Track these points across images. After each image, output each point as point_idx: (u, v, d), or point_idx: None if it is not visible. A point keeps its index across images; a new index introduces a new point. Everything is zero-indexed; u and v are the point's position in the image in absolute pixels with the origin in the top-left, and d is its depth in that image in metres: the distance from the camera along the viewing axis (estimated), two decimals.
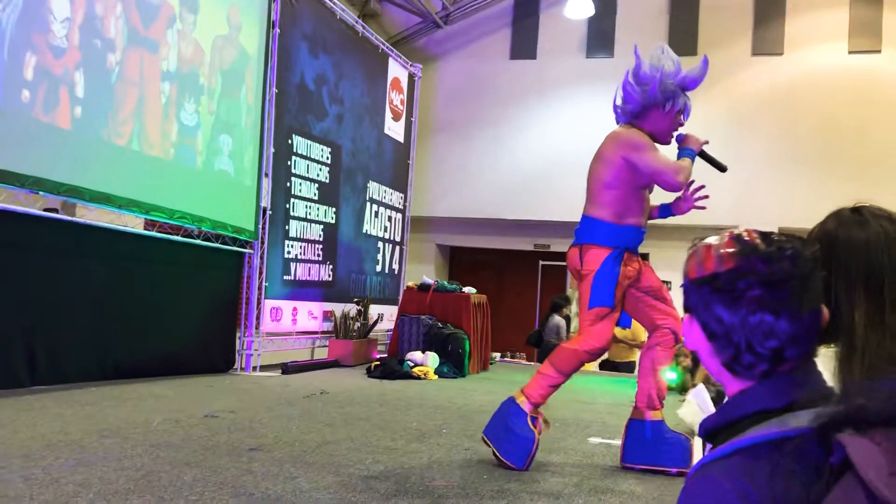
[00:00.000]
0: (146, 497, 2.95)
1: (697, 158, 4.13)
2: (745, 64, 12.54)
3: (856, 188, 11.11)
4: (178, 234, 7.01)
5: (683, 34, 12.71)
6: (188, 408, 5.13)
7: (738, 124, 12.20)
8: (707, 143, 4.17)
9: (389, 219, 11.07)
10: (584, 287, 4.09)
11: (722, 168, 4.15)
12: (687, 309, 1.11)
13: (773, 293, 1.00)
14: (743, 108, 12.36)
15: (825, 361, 1.19)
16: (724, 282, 1.03)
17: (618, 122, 4.26)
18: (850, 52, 12.14)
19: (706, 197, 4.16)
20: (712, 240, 1.09)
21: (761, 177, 11.99)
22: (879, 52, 12.03)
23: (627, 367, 9.60)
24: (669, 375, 5.19)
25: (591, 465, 4.16)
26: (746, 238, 1.06)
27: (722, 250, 1.06)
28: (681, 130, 4.21)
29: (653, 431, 4.04)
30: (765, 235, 1.06)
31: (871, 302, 1.18)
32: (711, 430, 1.05)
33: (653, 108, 4.07)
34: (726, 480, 0.89)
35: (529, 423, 3.95)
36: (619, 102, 4.18)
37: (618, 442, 4.33)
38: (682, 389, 6.78)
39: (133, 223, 6.84)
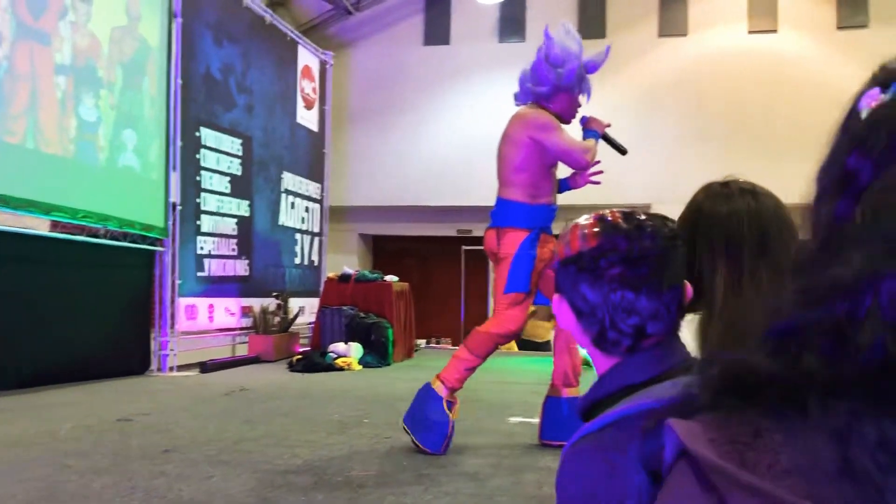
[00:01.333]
0: None
1: (600, 140, 4.22)
2: (652, 45, 12.83)
3: (761, 165, 11.56)
4: (82, 235, 6.74)
5: (592, 18, 12.92)
6: (100, 413, 4.95)
7: (647, 105, 12.49)
8: (609, 125, 4.25)
9: (307, 209, 10.92)
10: (502, 270, 4.13)
11: (622, 150, 4.25)
12: (557, 289, 1.12)
13: (633, 270, 1.03)
14: (652, 89, 12.66)
15: (690, 327, 1.23)
16: (587, 260, 1.05)
17: (521, 102, 4.28)
18: (749, 32, 12.57)
19: (600, 172, 4.24)
20: (580, 220, 1.11)
21: (671, 156, 12.32)
22: (776, 31, 12.49)
23: (546, 347, 9.80)
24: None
25: (510, 444, 4.21)
26: (609, 218, 1.08)
27: (586, 230, 1.08)
28: (583, 112, 4.28)
29: (570, 408, 4.12)
30: (627, 215, 1.08)
31: (731, 269, 1.23)
32: (585, 408, 1.07)
33: (565, 90, 4.12)
34: (598, 453, 0.91)
35: (445, 407, 3.97)
36: (530, 84, 4.19)
37: (537, 420, 4.39)
38: None
39: (37, 225, 6.54)
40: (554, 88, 4.11)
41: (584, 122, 4.24)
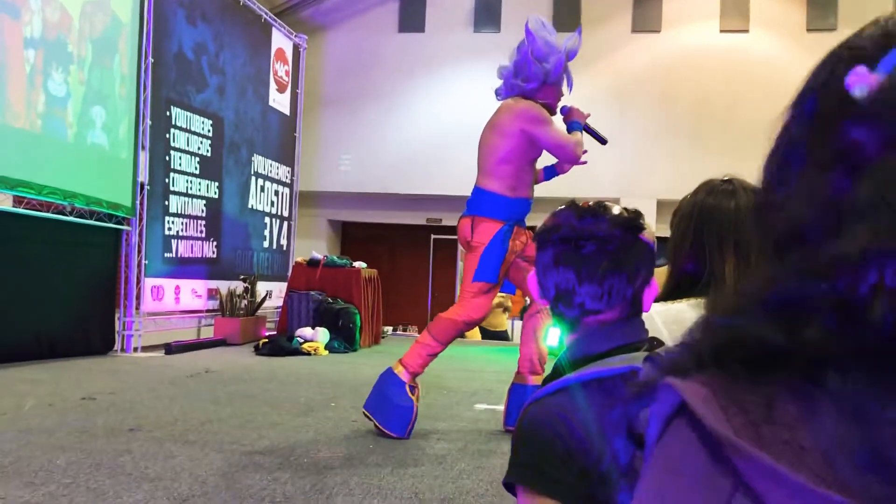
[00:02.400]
0: (14, 482, 2.83)
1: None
2: (626, 41, 12.93)
3: (728, 161, 11.68)
4: (48, 212, 6.65)
5: (567, 11, 12.98)
6: (63, 391, 4.91)
7: (619, 99, 12.60)
8: (589, 115, 4.31)
9: (276, 193, 10.86)
10: (472, 259, 4.17)
11: (603, 141, 4.31)
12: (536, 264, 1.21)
13: (575, 250, 1.10)
14: (624, 84, 12.77)
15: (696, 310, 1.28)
16: (543, 235, 1.15)
17: (504, 97, 4.31)
18: (721, 31, 12.73)
19: (585, 163, 4.30)
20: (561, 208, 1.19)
21: (642, 150, 12.46)
22: (748, 31, 12.66)
23: (504, 336, 10.02)
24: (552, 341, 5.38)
25: (476, 430, 4.27)
26: (578, 204, 1.15)
27: (554, 212, 1.17)
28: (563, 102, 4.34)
29: None
30: (600, 203, 1.14)
31: (739, 259, 1.31)
32: (548, 376, 1.14)
33: (552, 84, 4.19)
34: (548, 413, 1.00)
35: (408, 391, 4.01)
36: (518, 80, 4.21)
37: (502, 407, 4.45)
38: None
39: (1, 200, 6.44)
40: (542, 84, 4.17)
41: (566, 112, 4.28)
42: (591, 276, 1.09)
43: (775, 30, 12.61)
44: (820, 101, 0.47)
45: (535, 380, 4.23)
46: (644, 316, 1.27)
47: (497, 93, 4.36)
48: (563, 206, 1.17)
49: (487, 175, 4.18)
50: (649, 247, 1.15)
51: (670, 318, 1.30)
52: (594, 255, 1.09)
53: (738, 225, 1.32)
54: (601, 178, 12.02)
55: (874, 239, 0.37)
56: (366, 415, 4.07)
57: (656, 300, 1.37)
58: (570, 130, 4.22)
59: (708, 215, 1.36)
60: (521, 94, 4.20)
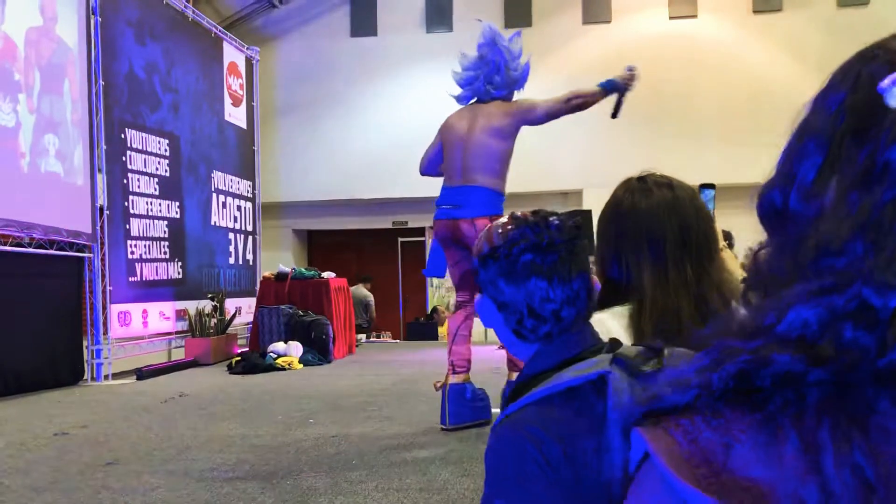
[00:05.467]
0: None
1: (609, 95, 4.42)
2: (577, 32, 13.02)
3: (684, 147, 11.92)
4: (6, 244, 6.51)
5: (518, 6, 13.04)
6: (34, 428, 4.81)
7: None
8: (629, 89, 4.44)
9: (239, 208, 10.76)
10: None
11: (614, 115, 4.50)
12: (478, 288, 1.19)
13: (543, 258, 1.11)
14: (578, 76, 12.77)
15: (618, 319, 1.29)
16: (502, 253, 1.13)
17: (468, 100, 4.58)
18: (670, 18, 12.88)
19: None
20: (496, 221, 1.19)
21: (600, 141, 12.53)
22: (696, 17, 12.83)
23: None
24: None
25: (455, 436, 4.26)
26: (520, 215, 1.17)
27: (500, 227, 1.16)
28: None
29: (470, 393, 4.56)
30: (535, 212, 1.17)
31: (656, 262, 1.30)
32: (512, 393, 1.14)
33: (517, 90, 4.63)
34: (521, 429, 1.01)
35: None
36: (490, 87, 4.47)
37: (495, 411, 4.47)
38: None
39: None
40: (509, 92, 4.57)
41: (630, 69, 4.41)
42: (563, 280, 1.11)
43: (723, 14, 12.80)
44: (851, 103, 0.46)
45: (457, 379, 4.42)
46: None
47: (461, 99, 4.51)
48: (501, 223, 1.17)
49: (494, 175, 4.38)
50: (587, 246, 1.19)
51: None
52: (563, 259, 1.11)
53: (652, 225, 1.31)
54: (562, 170, 12.10)
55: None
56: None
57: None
58: (607, 86, 4.36)
59: (622, 216, 1.35)
60: (489, 99, 4.49)
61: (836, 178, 0.44)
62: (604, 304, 1.30)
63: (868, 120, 0.44)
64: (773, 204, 0.49)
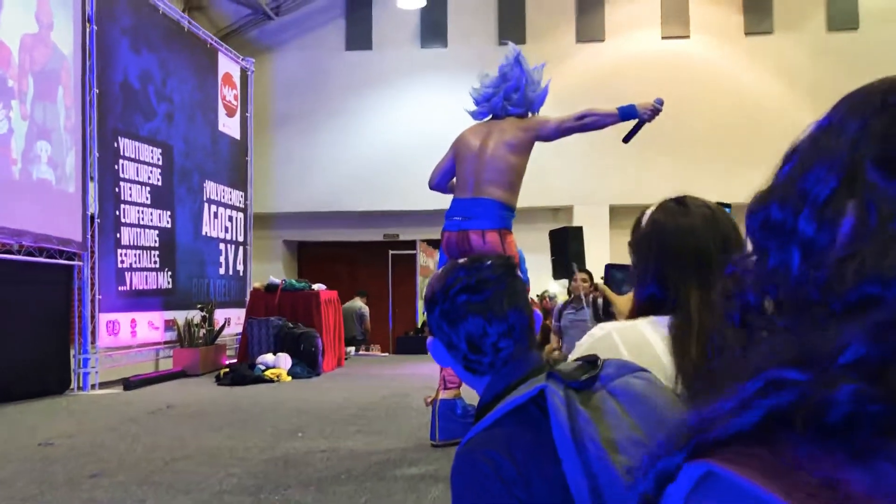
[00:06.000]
0: None
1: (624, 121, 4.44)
2: (571, 51, 13.11)
3: (674, 165, 11.98)
4: None
5: (512, 23, 13.12)
6: (19, 438, 4.76)
7: (567, 109, 12.62)
8: (650, 119, 4.46)
9: (230, 219, 10.73)
10: None
11: (626, 140, 4.53)
12: (431, 332, 1.29)
13: (477, 296, 1.21)
14: (571, 93, 12.87)
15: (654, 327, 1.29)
16: (440, 297, 1.24)
17: (483, 116, 4.66)
18: (663, 38, 13.00)
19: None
20: (437, 270, 1.35)
21: (592, 158, 12.59)
22: (688, 37, 12.96)
23: None
24: None
25: (444, 453, 4.25)
26: (457, 261, 1.29)
27: (436, 276, 1.29)
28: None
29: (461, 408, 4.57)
30: (472, 258, 1.29)
31: (702, 282, 1.28)
32: (475, 418, 1.20)
33: (533, 112, 4.68)
34: (478, 452, 1.09)
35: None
36: (507, 104, 4.54)
37: None
38: None
39: None
40: (525, 111, 4.62)
41: (659, 102, 4.40)
42: (497, 316, 1.20)
43: (714, 35, 12.92)
44: (877, 130, 0.45)
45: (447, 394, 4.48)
46: (602, 333, 1.33)
47: (475, 114, 4.60)
48: (441, 269, 1.28)
49: (507, 189, 4.40)
50: (524, 281, 1.27)
51: (629, 340, 1.30)
52: (495, 296, 1.21)
53: (698, 244, 1.31)
54: (554, 188, 12.14)
55: None
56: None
57: None
58: (626, 111, 4.39)
59: (666, 238, 1.35)
60: (505, 116, 4.57)
61: (854, 203, 0.43)
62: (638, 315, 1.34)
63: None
64: (770, 219, 0.48)
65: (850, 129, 0.46)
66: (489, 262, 1.25)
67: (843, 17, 12.65)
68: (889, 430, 0.36)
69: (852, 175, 0.44)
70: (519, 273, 1.29)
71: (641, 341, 1.27)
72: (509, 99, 4.53)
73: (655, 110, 4.39)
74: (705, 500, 0.39)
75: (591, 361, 1.12)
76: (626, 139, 4.50)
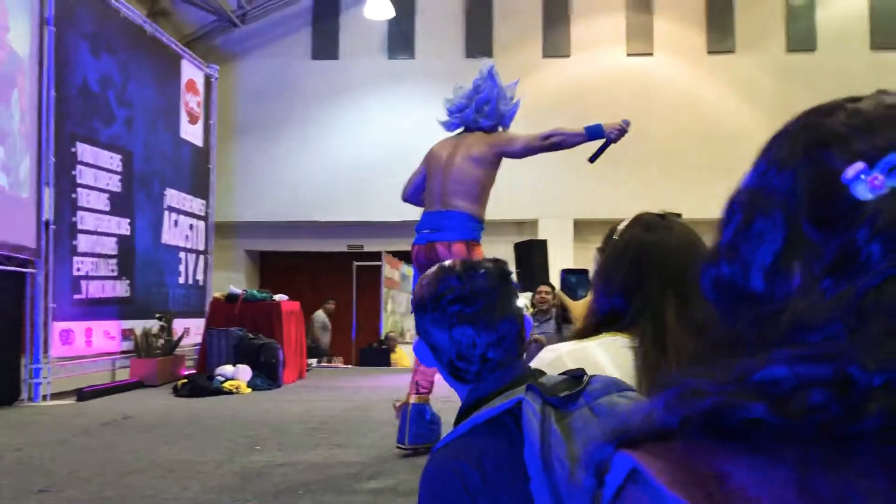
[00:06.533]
0: None
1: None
2: (538, 65, 13.19)
3: (635, 180, 12.11)
4: None
5: (479, 37, 13.17)
6: None
7: (534, 124, 12.65)
8: (615, 141, 4.52)
9: (191, 227, 10.57)
10: None
11: (592, 160, 4.60)
12: (417, 333, 1.27)
13: (469, 307, 1.18)
14: (538, 108, 12.95)
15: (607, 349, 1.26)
16: (430, 303, 1.21)
17: (454, 128, 4.74)
18: (628, 55, 13.15)
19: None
20: (427, 271, 1.27)
21: (557, 173, 12.63)
22: (652, 55, 13.12)
23: None
24: None
25: (408, 465, 4.19)
26: (448, 265, 1.25)
27: (427, 278, 1.25)
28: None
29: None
30: (465, 262, 1.25)
31: (679, 300, 1.28)
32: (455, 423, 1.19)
33: (502, 126, 4.77)
34: (448, 462, 1.08)
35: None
36: (479, 116, 4.61)
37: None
38: None
39: None
40: (496, 124, 4.70)
41: (626, 123, 4.45)
42: (489, 326, 1.18)
43: (678, 53, 13.11)
44: (807, 188, 0.46)
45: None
46: (553, 357, 1.30)
47: (447, 125, 4.65)
48: (431, 273, 1.24)
49: (474, 201, 4.45)
50: (516, 287, 1.27)
51: (580, 363, 1.27)
52: (487, 307, 1.18)
53: (680, 262, 1.29)
54: (518, 200, 12.16)
55: (885, 355, 0.38)
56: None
57: (576, 336, 1.36)
58: (593, 131, 4.43)
59: (647, 251, 1.33)
60: (476, 129, 4.63)
61: (800, 263, 0.45)
62: (598, 332, 1.30)
63: (832, 210, 0.44)
64: (722, 279, 0.50)
65: (781, 185, 0.47)
66: (483, 271, 1.22)
67: (801, 38, 12.93)
68: (782, 437, 0.40)
69: (793, 235, 0.46)
70: (513, 278, 1.27)
71: (593, 365, 1.23)
72: (480, 111, 4.60)
73: (622, 130, 4.43)
74: (629, 497, 0.44)
75: (576, 376, 1.09)
76: (592, 159, 4.52)
